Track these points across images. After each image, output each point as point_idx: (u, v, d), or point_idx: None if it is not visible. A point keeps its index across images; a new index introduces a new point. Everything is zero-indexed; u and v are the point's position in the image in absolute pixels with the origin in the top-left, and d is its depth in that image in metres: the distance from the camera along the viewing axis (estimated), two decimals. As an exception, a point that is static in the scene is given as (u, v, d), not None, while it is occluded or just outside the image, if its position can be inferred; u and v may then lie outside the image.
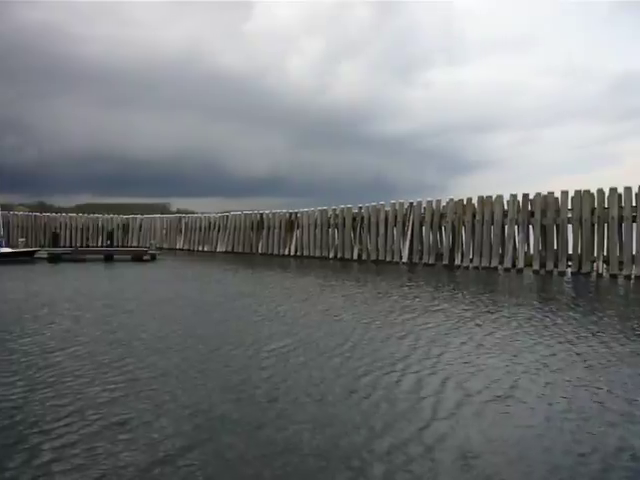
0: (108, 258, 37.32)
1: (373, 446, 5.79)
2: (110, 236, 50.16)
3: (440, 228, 31.83)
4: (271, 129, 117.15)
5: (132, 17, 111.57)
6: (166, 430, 6.21)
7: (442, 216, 31.54)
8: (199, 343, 10.77)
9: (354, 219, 35.96)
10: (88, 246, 47.94)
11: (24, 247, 39.55)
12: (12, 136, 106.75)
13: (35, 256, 36.90)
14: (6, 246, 37.50)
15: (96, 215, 51.78)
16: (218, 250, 44.89)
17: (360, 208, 36.05)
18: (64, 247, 44.42)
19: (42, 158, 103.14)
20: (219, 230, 45.56)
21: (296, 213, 39.97)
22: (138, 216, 52.02)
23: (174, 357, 9.67)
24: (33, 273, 28.41)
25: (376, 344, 10.60)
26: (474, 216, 29.88)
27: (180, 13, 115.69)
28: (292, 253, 39.12)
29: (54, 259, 36.56)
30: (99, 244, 49.46)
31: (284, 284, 22.84)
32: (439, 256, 31.46)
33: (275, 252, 40.28)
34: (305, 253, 38.40)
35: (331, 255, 36.74)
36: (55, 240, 48.12)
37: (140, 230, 51.11)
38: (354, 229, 35.94)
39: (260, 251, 41.47)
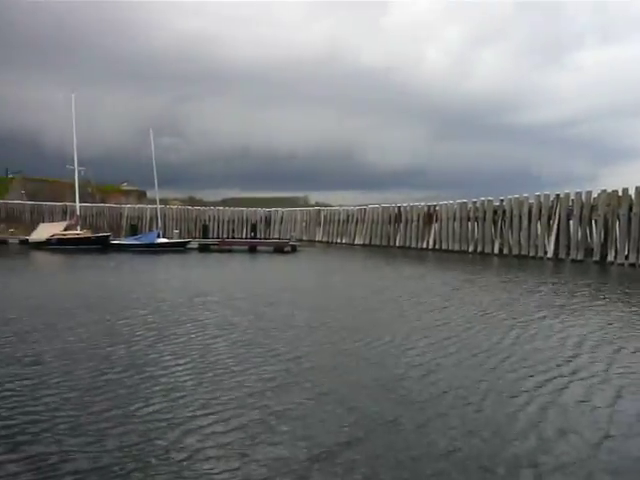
0: (252, 249, 43.64)
1: (540, 459, 5.83)
2: (254, 228, 57.24)
3: (590, 222, 32.58)
4: (410, 121, 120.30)
5: (277, 19, 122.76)
6: (324, 425, 7.06)
7: (593, 209, 32.22)
8: (350, 335, 11.94)
9: (495, 212, 37.80)
10: (234, 237, 55.34)
11: (178, 238, 47.62)
12: (168, 137, 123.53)
13: (187, 246, 44.58)
14: (163, 237, 45.75)
15: (241, 208, 59.27)
16: (355, 243, 49.29)
17: (502, 201, 37.77)
18: (212, 238, 52.21)
19: (195, 156, 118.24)
20: (357, 223, 49.93)
21: (434, 206, 42.75)
22: (280, 209, 58.55)
23: (327, 347, 10.99)
24: (186, 261, 34.82)
25: (536, 343, 10.94)
26: (630, 209, 30.22)
27: (319, 12, 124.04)
28: (430, 246, 42.06)
29: (204, 249, 43.93)
30: (244, 236, 56.79)
31: (426, 279, 24.54)
32: (588, 252, 32.15)
33: (412, 245, 43.52)
34: (443, 247, 41.05)
35: (470, 249, 39.00)
36: (205, 231, 56.41)
37: (281, 223, 57.54)
38: (495, 222, 37.83)
39: (397, 244, 45.02)
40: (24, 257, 39.52)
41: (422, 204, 44.24)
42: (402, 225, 45.24)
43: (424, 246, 42.71)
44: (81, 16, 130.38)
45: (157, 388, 9.13)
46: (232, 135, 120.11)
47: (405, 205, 45.66)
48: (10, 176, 77.12)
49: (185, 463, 6.42)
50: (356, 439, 6.70)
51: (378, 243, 47.02)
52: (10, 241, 49.62)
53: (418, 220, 43.74)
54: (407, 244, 44.21)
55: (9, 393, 9.06)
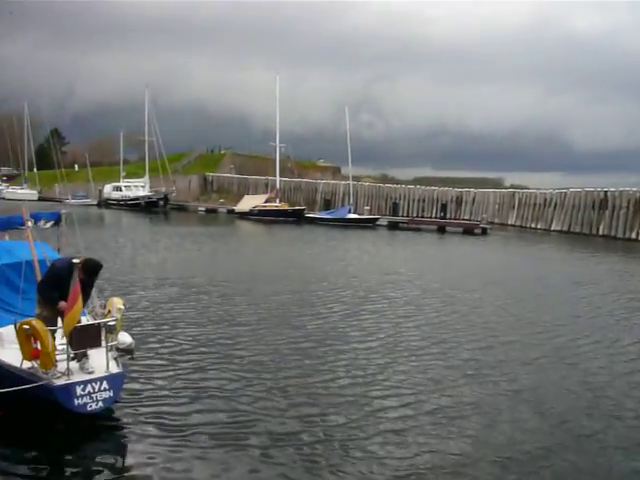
0: (441, 229, 43.07)
1: None
2: (444, 208, 56.27)
3: None
4: (626, 96, 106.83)
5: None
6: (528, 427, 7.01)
7: None
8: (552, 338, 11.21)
9: None
10: (423, 217, 55.08)
11: (368, 214, 48.68)
12: (366, 114, 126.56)
13: (376, 223, 45.41)
14: (354, 213, 47.14)
15: (432, 187, 58.58)
16: (552, 229, 45.96)
17: None
18: (402, 216, 52.49)
19: (389, 134, 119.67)
20: (555, 207, 46.46)
21: (651, 192, 38.16)
22: (472, 190, 56.72)
23: (521, 344, 10.56)
24: (376, 238, 35.50)
25: None
26: None
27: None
28: (641, 238, 37.75)
29: (393, 227, 44.42)
30: (433, 215, 56.18)
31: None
32: None
33: (619, 235, 39.28)
34: (659, 239, 36.60)
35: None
36: (395, 209, 56.93)
37: (473, 204, 55.75)
38: None
39: (600, 233, 41.02)
40: (230, 225, 43.58)
41: (634, 189, 39.59)
42: (608, 212, 40.98)
43: (633, 236, 38.30)
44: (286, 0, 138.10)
45: (343, 363, 9.44)
46: (426, 113, 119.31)
47: (613, 190, 41.26)
48: (222, 152, 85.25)
49: (361, 442, 6.56)
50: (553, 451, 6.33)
51: (578, 230, 43.23)
52: (219, 210, 55.03)
53: (628, 207, 39.27)
54: (612, 233, 40.01)
55: (210, 349, 10.09)
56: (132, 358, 9.36)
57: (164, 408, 7.60)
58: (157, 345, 10.44)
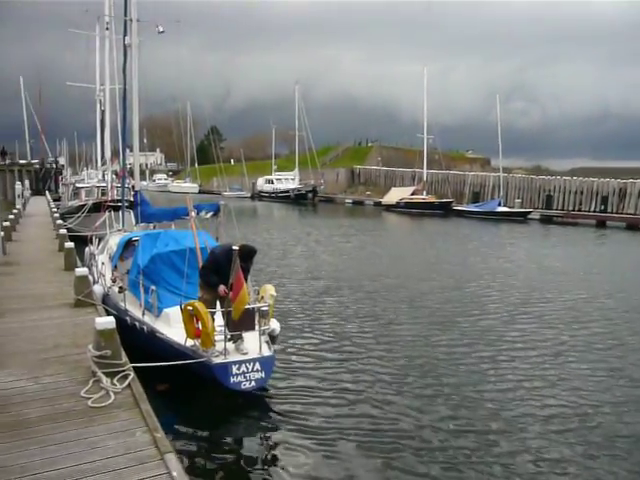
0: (600, 224, 39.68)
1: None
2: (604, 201, 51.80)
3: None
4: None
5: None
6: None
7: None
8: None
9: None
10: (580, 210, 51.15)
11: (519, 207, 46.24)
12: (518, 102, 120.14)
13: (528, 217, 42.98)
14: (504, 205, 45.03)
15: (591, 179, 54.19)
16: None
17: None
18: (556, 209, 49.15)
19: (544, 122, 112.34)
20: None
21: None
22: (638, 181, 51.55)
23: None
24: (529, 233, 33.49)
25: None
26: None
27: None
28: None
29: (546, 220, 41.75)
30: (592, 209, 51.95)
31: None
32: None
33: None
34: None
35: None
36: (548, 202, 53.48)
37: (639, 197, 50.67)
38: None
39: None
40: (377, 217, 43.78)
41: None
42: None
43: None
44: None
45: (500, 372, 8.97)
46: (586, 98, 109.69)
47: None
48: (369, 145, 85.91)
49: (522, 466, 6.20)
50: None
51: None
52: (366, 202, 55.53)
53: None
54: None
55: (353, 347, 10.18)
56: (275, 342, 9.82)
57: (303, 399, 7.88)
58: (300, 335, 10.83)
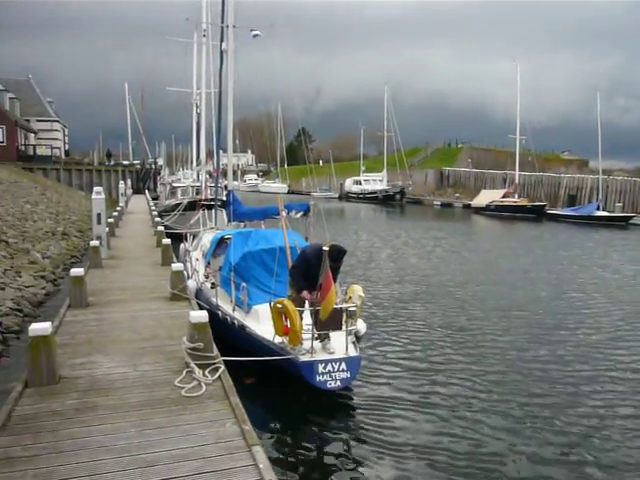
0: None
1: None
2: None
3: None
4: None
5: None
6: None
7: None
8: None
9: None
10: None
11: (620, 212, 43.53)
12: (620, 98, 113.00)
13: (630, 222, 40.31)
14: (602, 210, 42.53)
15: None
16: None
17: None
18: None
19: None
20: None
21: None
22: None
23: None
24: (634, 241, 31.53)
25: None
26: None
27: None
28: None
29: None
30: None
31: None
32: None
33: None
34: None
35: None
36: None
37: None
38: None
39: None
40: (466, 220, 42.76)
41: None
42: None
43: None
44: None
45: (606, 389, 8.42)
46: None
47: None
48: (459, 146, 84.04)
49: None
50: None
51: None
52: (455, 205, 54.39)
53: None
54: None
55: (438, 356, 9.92)
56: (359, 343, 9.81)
57: (384, 405, 7.80)
58: (385, 339, 10.75)
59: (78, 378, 6.45)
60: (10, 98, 53.86)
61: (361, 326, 8.52)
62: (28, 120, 58.31)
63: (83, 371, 6.68)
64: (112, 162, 58.24)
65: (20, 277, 14.03)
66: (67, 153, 67.08)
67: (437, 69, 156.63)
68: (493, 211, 46.19)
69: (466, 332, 11.33)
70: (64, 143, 69.56)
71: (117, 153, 75.48)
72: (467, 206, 51.51)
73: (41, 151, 52.04)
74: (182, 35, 31.72)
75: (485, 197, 50.14)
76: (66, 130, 73.05)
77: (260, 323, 8.60)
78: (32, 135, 57.20)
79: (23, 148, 51.05)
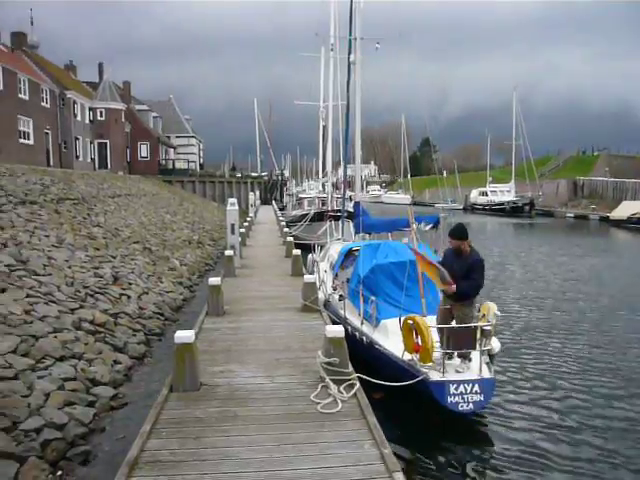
0: None
1: None
2: None
3: None
4: None
5: None
6: None
7: None
8: None
9: None
10: None
11: None
12: None
13: None
14: None
15: None
16: None
17: None
18: None
19: None
20: None
21: None
22: None
23: None
24: None
25: None
26: None
27: None
28: None
29: None
30: None
31: None
32: None
33: None
34: None
35: None
36: None
37: None
38: None
39: None
40: (604, 234, 39.52)
41: None
42: None
43: None
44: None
45: None
46: None
47: None
48: (595, 154, 78.33)
49: None
50: None
51: None
52: (590, 217, 50.57)
53: None
54: None
55: (578, 383, 9.07)
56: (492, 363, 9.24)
57: (523, 427, 7.28)
58: (519, 361, 10.07)
59: (218, 386, 6.61)
60: (154, 117, 58.48)
61: (495, 345, 8.01)
62: (169, 136, 62.92)
63: (222, 379, 6.85)
64: (238, 174, 61.08)
65: (162, 282, 14.95)
66: (202, 166, 71.46)
67: (571, 71, 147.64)
68: (636, 224, 42.35)
69: (607, 357, 10.35)
70: (199, 157, 74.17)
71: (245, 166, 79.08)
72: (605, 219, 47.66)
73: (179, 165, 55.91)
74: (312, 50, 32.52)
75: (627, 209, 46.11)
76: (201, 145, 77.90)
77: (388, 338, 8.36)
78: (172, 150, 61.58)
79: (164, 162, 55.12)
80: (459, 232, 7.80)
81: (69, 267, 12.35)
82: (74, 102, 41.08)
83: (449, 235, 7.76)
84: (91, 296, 11.22)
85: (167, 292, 14.27)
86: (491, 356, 7.91)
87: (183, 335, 6.36)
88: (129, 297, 12.28)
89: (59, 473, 5.80)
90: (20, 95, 33.15)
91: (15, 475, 5.43)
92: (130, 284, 13.23)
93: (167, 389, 6.38)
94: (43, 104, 36.64)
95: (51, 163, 36.77)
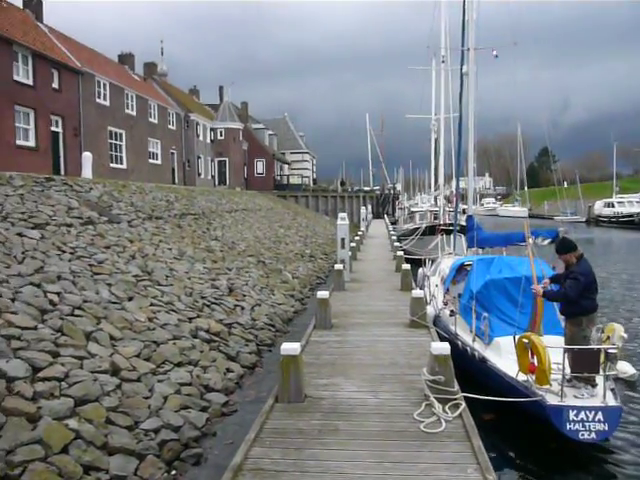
0: None
1: None
2: None
3: None
4: None
5: None
6: None
7: None
8: None
9: None
10: None
11: None
12: None
13: None
14: None
15: None
16: None
17: None
18: None
19: None
20: None
21: None
22: None
23: None
24: None
25: None
26: None
27: None
28: None
29: None
30: None
31: None
32: None
33: None
34: None
35: None
36: None
37: None
38: None
39: None
40: None
41: None
42: None
43: None
44: None
45: None
46: None
47: None
48: None
49: None
50: None
51: None
52: None
53: None
54: None
55: None
56: (630, 389, 8.48)
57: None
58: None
59: (322, 399, 6.67)
60: (269, 135, 60.80)
61: (632, 370, 7.36)
62: (283, 153, 65.07)
63: (326, 392, 6.91)
64: (349, 189, 61.69)
65: (274, 295, 15.40)
66: (315, 181, 73.05)
67: None
68: None
69: None
70: (312, 172, 75.94)
71: (357, 180, 79.70)
72: None
73: (293, 180, 57.56)
74: (424, 63, 32.30)
75: None
76: (314, 160, 79.73)
77: (501, 357, 7.98)
78: (286, 166, 63.58)
79: (279, 178, 57.05)
80: (562, 245, 7.55)
81: (188, 278, 13.10)
82: (197, 123, 43.75)
83: (556, 251, 7.50)
84: (208, 306, 11.80)
85: (279, 304, 14.67)
86: (631, 383, 7.30)
87: (289, 347, 6.50)
88: (243, 308, 12.77)
89: (173, 472, 6.11)
90: (150, 119, 35.88)
91: (135, 471, 5.80)
92: (244, 296, 13.76)
93: (273, 399, 6.54)
94: (170, 126, 39.38)
95: (176, 180, 39.33)
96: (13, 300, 7.89)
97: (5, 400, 5.79)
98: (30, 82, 23.09)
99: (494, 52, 15.16)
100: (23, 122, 22.68)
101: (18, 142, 22.13)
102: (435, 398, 6.25)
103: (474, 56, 14.67)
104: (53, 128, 24.71)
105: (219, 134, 48.08)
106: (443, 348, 6.46)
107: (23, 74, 22.80)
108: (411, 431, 5.73)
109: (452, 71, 26.57)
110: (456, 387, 6.50)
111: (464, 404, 6.22)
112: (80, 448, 5.65)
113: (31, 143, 23.05)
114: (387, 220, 43.29)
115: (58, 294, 8.77)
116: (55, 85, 24.98)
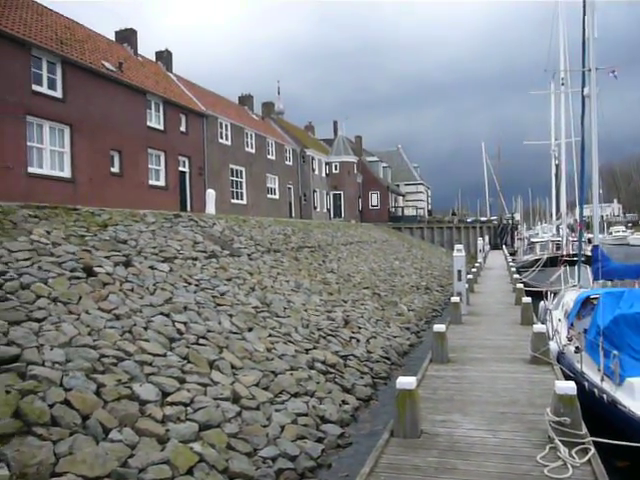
0: None
1: None
2: None
3: None
4: None
5: None
6: None
7: None
8: None
9: None
10: None
11: None
12: None
13: None
14: None
15: None
16: None
17: None
18: None
19: None
20: None
21: None
22: None
23: None
24: None
25: None
26: None
27: None
28: None
29: None
30: None
31: None
32: None
33: None
34: None
35: None
36: None
37: None
38: None
39: None
40: None
41: None
42: None
43: None
44: None
45: None
46: None
47: None
48: None
49: None
50: None
51: None
52: None
53: None
54: None
55: None
56: None
57: None
58: None
59: (438, 435, 6.51)
60: (383, 167, 61.23)
61: None
62: (397, 185, 65.11)
63: (443, 429, 6.73)
64: (461, 219, 60.16)
65: (389, 327, 15.32)
66: (430, 212, 72.18)
67: None
68: None
69: None
70: (427, 203, 75.12)
71: (470, 211, 77.58)
72: None
73: (408, 212, 57.31)
74: (542, 86, 31.20)
75: None
76: (429, 191, 78.89)
77: (635, 399, 7.33)
78: (400, 198, 63.48)
79: (393, 209, 57.05)
80: None
81: (305, 310, 13.41)
82: (312, 158, 45.12)
83: None
84: (324, 338, 11.99)
85: (394, 337, 14.56)
86: None
87: (405, 381, 6.44)
88: (358, 340, 12.82)
89: (290, 502, 6.23)
90: (268, 156, 37.58)
91: (254, 498, 5.99)
92: (360, 328, 13.82)
93: (388, 433, 6.48)
94: (287, 162, 40.95)
95: (293, 214, 40.64)
96: (146, 329, 8.55)
97: (138, 421, 6.26)
98: (161, 127, 25.24)
99: (614, 72, 14.38)
100: (155, 164, 24.76)
101: (150, 182, 24.15)
102: (560, 441, 5.86)
103: (595, 76, 13.97)
104: (180, 168, 26.71)
105: (334, 168, 49.20)
106: (569, 387, 6.07)
107: (155, 120, 24.98)
108: (534, 475, 5.41)
109: (572, 93, 25.46)
110: (584, 430, 6.07)
111: (593, 449, 5.78)
112: (204, 471, 5.94)
113: (161, 183, 25.05)
114: (506, 251, 41.61)
115: (185, 324, 9.38)
116: (182, 128, 27.06)
